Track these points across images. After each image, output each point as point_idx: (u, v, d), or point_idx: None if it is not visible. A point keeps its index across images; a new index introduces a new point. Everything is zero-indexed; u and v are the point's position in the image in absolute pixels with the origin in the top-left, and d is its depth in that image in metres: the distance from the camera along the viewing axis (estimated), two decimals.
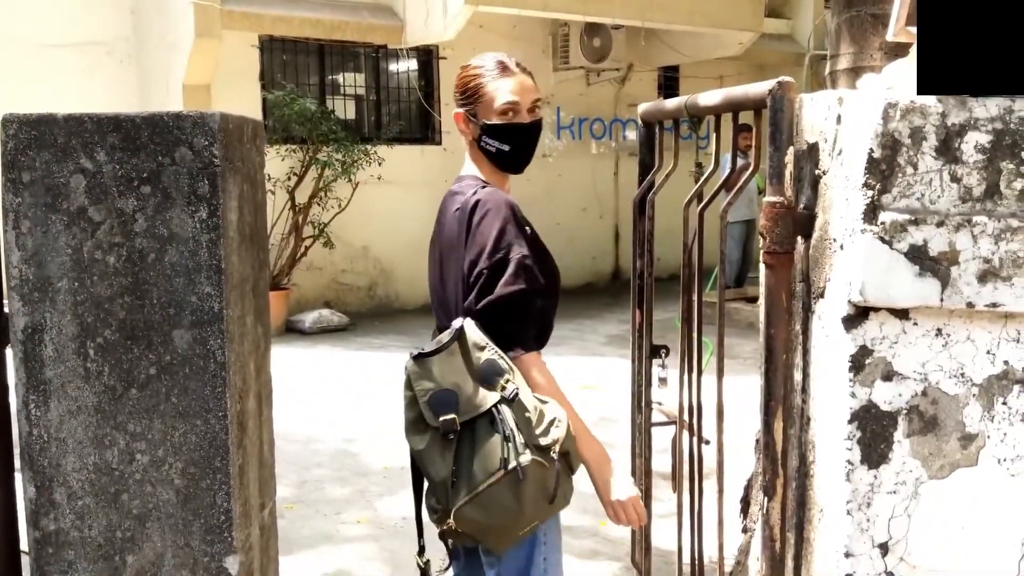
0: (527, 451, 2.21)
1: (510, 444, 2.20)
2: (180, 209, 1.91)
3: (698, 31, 11.90)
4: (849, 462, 1.98)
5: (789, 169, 2.17)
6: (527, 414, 2.25)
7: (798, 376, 2.19)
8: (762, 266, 2.21)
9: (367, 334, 9.85)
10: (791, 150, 2.17)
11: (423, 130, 11.70)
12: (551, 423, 2.26)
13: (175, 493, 1.95)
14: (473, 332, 2.31)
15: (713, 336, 2.59)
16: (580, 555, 4.31)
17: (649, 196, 3.06)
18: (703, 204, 2.63)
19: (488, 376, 2.27)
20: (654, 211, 3.06)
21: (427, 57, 11.53)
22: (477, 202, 2.37)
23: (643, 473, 3.18)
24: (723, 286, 2.50)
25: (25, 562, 2.07)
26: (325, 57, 11.03)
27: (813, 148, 2.13)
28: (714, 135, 2.64)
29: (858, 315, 1.96)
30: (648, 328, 3.13)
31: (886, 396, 1.97)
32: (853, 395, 1.97)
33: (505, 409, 2.23)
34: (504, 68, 2.44)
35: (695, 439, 2.72)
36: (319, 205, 10.08)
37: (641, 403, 3.15)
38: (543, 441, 2.24)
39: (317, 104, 10.12)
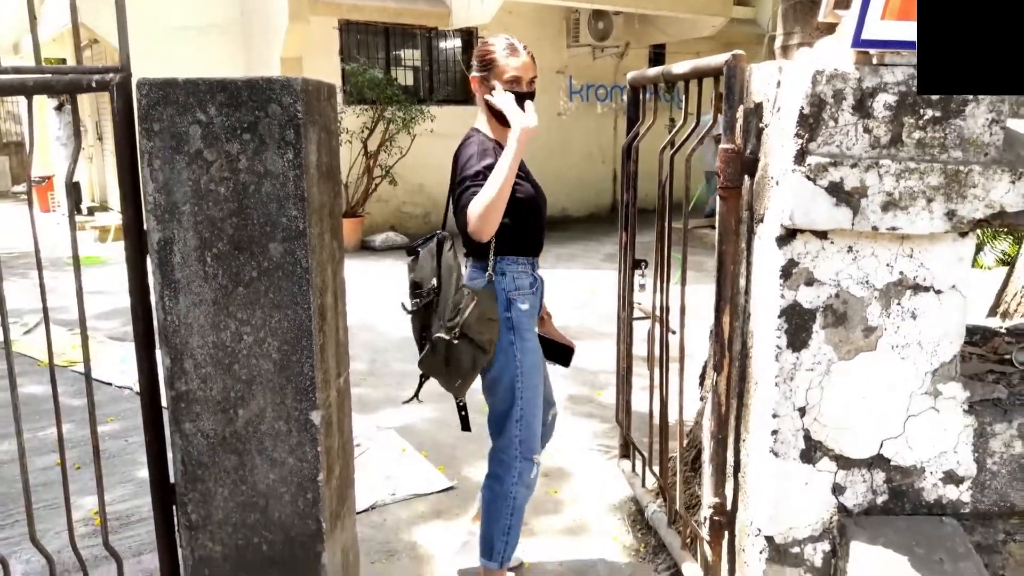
0: (441, 330, 2.41)
1: (437, 324, 2.44)
2: (272, 152, 1.91)
3: (680, 16, 11.54)
4: (778, 347, 1.99)
5: (740, 123, 2.14)
6: (449, 301, 2.42)
7: (742, 282, 2.19)
8: (717, 198, 2.20)
9: None
10: (742, 108, 2.14)
11: (465, 94, 11.48)
12: (456, 312, 2.39)
13: (273, 364, 2.00)
14: (447, 238, 2.48)
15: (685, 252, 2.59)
16: (579, 416, 4.38)
17: (635, 144, 3.02)
18: (674, 150, 2.60)
19: (442, 272, 2.45)
20: (638, 156, 3.03)
21: (468, 37, 11.30)
22: (462, 141, 2.48)
23: (625, 355, 3.21)
24: (687, 213, 2.48)
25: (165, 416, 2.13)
26: (390, 37, 10.83)
27: (758, 107, 2.09)
28: (684, 96, 2.60)
29: (788, 235, 1.95)
30: (632, 246, 3.12)
31: (808, 297, 1.97)
32: (782, 296, 1.97)
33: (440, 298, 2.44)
34: (513, 49, 2.45)
35: (665, 330, 2.74)
36: (386, 152, 10.00)
37: (625, 303, 3.17)
38: (449, 324, 2.40)
39: (384, 73, 9.97)
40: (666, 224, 2.66)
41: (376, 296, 7.33)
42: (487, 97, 2.44)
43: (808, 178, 1.87)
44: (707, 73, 2.33)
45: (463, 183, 2.37)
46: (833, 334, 1.98)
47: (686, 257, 2.54)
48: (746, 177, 2.14)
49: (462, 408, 2.61)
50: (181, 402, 2.01)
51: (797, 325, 1.98)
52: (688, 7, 11.21)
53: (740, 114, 2.13)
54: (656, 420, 2.80)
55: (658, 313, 2.80)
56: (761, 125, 2.07)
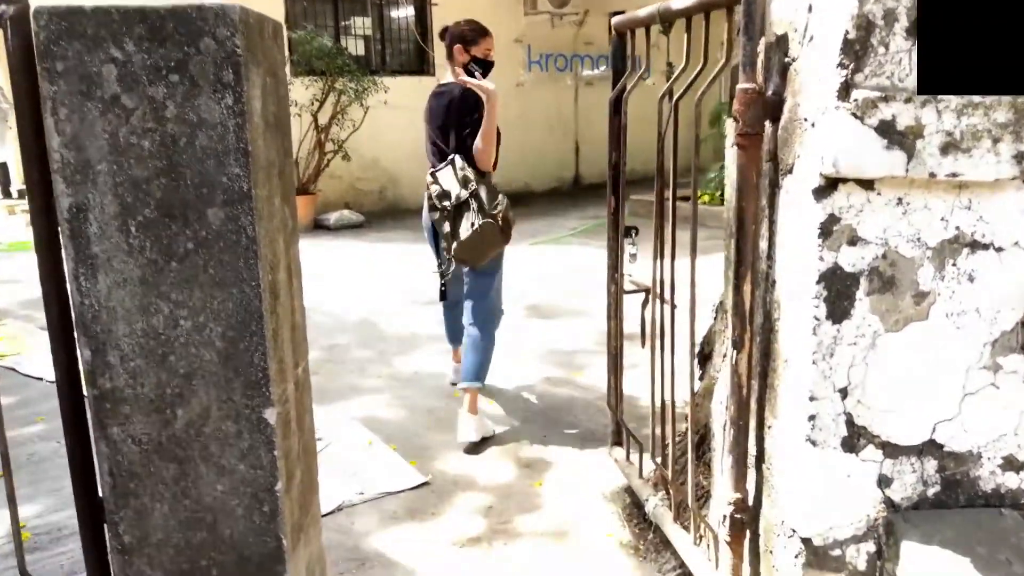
0: (485, 218, 3.34)
1: (474, 215, 3.35)
2: (207, 96, 1.57)
3: None
4: (816, 318, 1.72)
5: (760, 59, 1.85)
6: (484, 199, 3.37)
7: (764, 245, 1.91)
8: (733, 147, 1.90)
9: (380, 229, 9.48)
10: (763, 40, 1.84)
11: (419, 64, 11.09)
12: (497, 203, 3.39)
13: (216, 354, 1.67)
14: (459, 160, 3.41)
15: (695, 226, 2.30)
16: (561, 398, 4.10)
17: (624, 96, 2.72)
18: (677, 96, 2.30)
19: (464, 183, 3.37)
20: (627, 109, 2.73)
21: (422, 4, 10.86)
22: (465, 93, 3.47)
23: (616, 334, 2.93)
24: (696, 168, 2.19)
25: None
26: (339, 4, 10.37)
27: (782, 39, 1.80)
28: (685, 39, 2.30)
29: (828, 186, 1.67)
30: (621, 211, 2.83)
31: (850, 259, 1.69)
32: (821, 259, 1.69)
33: (472, 199, 3.36)
34: (485, 31, 3.56)
35: (665, 304, 2.46)
36: (337, 126, 9.56)
37: (615, 275, 2.88)
38: (492, 212, 3.38)
39: (333, 42, 9.52)
40: (669, 184, 2.36)
41: (332, 277, 6.96)
42: (468, 78, 3.49)
43: (854, 116, 1.59)
44: (717, 4, 2.03)
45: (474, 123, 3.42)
46: (879, 301, 1.71)
47: (695, 220, 2.26)
48: (768, 123, 1.85)
49: (444, 286, 3.69)
50: (106, 402, 1.68)
51: (838, 292, 1.70)
52: None
53: (761, 47, 1.84)
54: (658, 403, 2.52)
55: (657, 286, 2.51)
56: (787, 60, 1.78)
